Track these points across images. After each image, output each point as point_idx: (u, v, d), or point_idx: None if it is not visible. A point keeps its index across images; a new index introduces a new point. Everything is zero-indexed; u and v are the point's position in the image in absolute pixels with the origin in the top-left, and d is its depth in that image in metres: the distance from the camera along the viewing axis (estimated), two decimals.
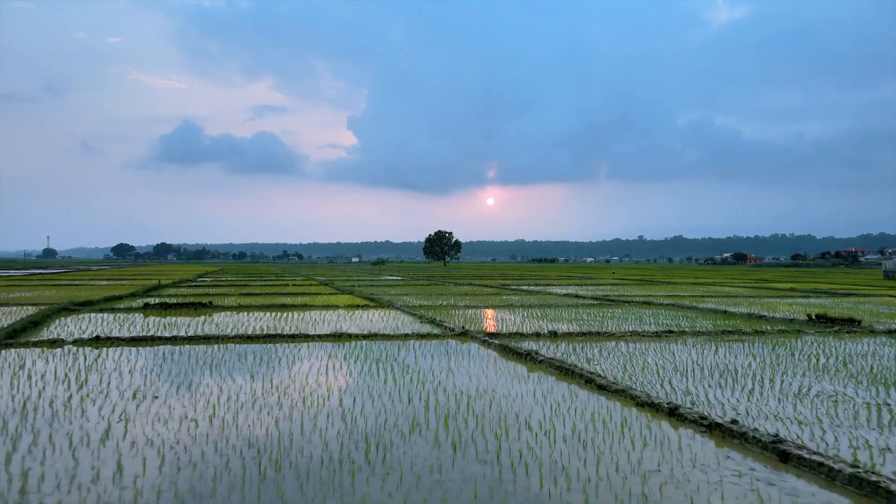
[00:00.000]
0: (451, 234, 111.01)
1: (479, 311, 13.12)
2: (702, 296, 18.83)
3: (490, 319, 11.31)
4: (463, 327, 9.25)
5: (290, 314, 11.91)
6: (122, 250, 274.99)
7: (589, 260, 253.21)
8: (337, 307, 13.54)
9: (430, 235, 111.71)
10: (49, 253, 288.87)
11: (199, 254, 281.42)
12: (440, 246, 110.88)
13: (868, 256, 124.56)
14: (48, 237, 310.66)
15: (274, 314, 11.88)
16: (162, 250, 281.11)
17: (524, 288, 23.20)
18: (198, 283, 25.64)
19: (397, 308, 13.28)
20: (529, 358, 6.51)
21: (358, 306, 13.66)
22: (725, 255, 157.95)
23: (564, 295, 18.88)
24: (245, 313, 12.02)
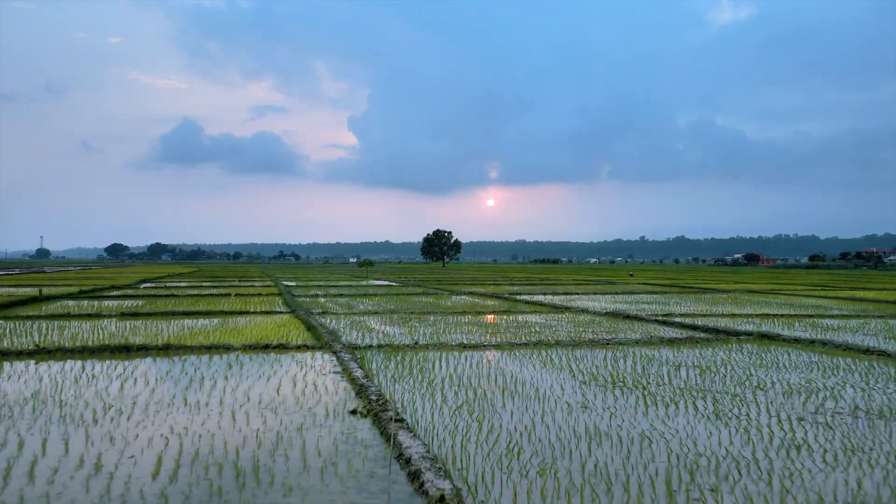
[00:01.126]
0: (450, 233, 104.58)
1: (483, 360, 7.09)
2: (809, 315, 12.79)
3: (511, 400, 5.27)
4: (445, 470, 3.17)
5: (119, 372, 5.90)
6: (115, 250, 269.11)
7: (593, 261, 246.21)
8: (229, 349, 7.50)
9: (428, 235, 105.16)
10: (42, 253, 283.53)
11: (194, 254, 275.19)
12: (439, 246, 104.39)
13: (892, 257, 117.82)
14: (41, 237, 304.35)
15: (75, 376, 5.86)
16: (156, 250, 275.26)
17: (540, 300, 17.16)
18: (112, 294, 19.66)
19: (337, 352, 7.24)
20: None
21: (268, 348, 7.63)
22: (736, 255, 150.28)
23: (607, 314, 12.84)
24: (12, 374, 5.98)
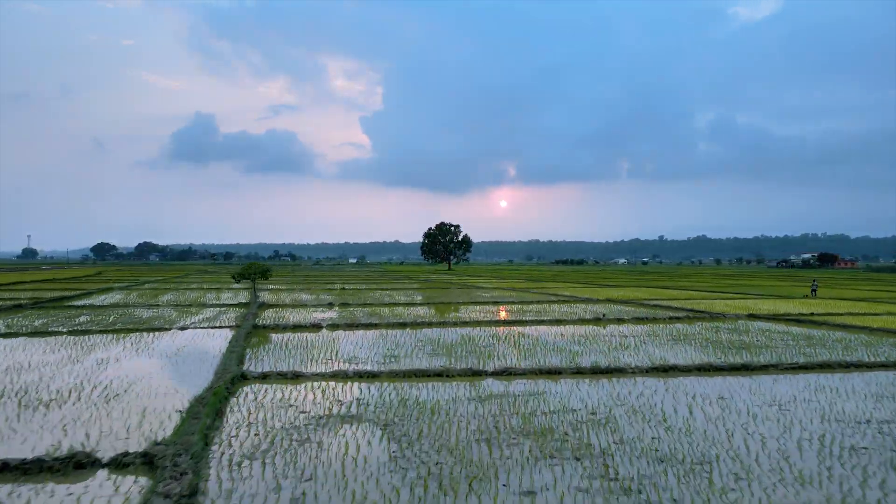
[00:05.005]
0: (457, 227, 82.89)
1: None
2: None
3: None
4: None
5: None
6: (101, 250, 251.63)
7: (621, 261, 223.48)
8: None
9: (429, 230, 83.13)
10: (29, 253, 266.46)
11: (184, 254, 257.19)
12: (443, 243, 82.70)
13: None
14: (29, 236, 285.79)
15: None
16: (144, 250, 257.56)
17: None
18: None
19: None
20: None
21: None
22: (805, 255, 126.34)
23: None
24: None
